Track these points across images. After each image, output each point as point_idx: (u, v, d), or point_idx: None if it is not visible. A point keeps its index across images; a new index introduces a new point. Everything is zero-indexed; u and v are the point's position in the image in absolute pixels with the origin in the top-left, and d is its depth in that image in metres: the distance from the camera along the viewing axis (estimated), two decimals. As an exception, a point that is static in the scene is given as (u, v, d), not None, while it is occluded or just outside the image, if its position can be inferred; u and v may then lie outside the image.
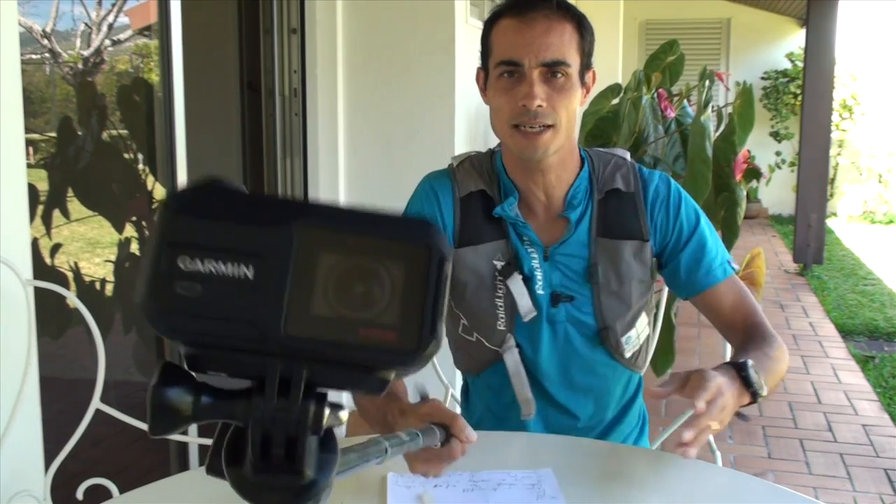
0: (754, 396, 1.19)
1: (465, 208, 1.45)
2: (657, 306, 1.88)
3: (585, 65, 1.37)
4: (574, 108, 1.35)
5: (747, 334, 1.39)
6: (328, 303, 0.44)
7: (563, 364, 1.44)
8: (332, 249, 0.44)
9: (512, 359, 1.43)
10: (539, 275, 1.41)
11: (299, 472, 0.47)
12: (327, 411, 0.47)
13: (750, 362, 1.21)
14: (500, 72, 1.34)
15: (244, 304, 0.43)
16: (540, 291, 1.41)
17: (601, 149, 1.51)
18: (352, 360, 0.45)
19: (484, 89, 1.42)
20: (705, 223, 1.46)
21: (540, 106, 1.30)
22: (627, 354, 1.45)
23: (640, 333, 1.47)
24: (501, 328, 1.42)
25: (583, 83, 1.37)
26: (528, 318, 1.41)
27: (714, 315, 1.46)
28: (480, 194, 1.45)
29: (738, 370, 1.19)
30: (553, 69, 1.31)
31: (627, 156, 1.49)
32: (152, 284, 0.43)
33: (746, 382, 1.18)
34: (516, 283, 1.40)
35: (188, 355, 0.45)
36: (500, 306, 1.42)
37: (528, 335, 1.43)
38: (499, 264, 1.42)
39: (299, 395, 0.46)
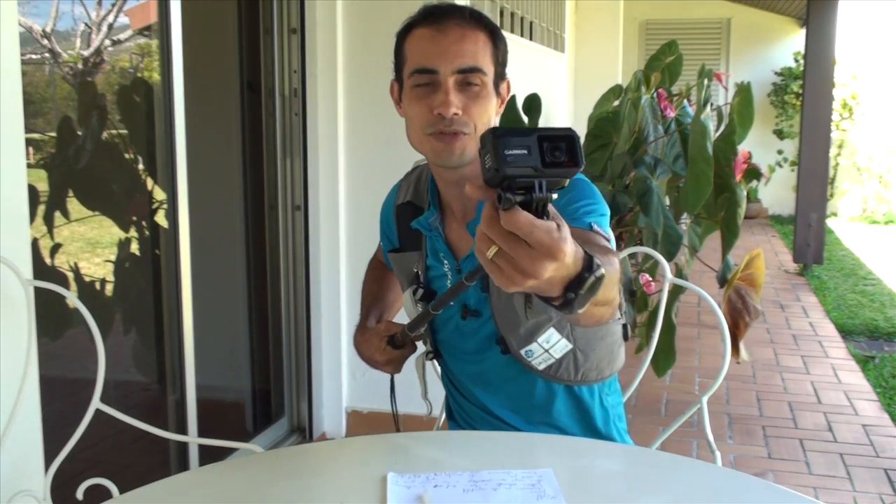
0: (567, 304, 0.87)
1: (399, 216, 1.54)
2: (657, 306, 1.87)
3: (500, 74, 1.37)
4: (490, 116, 1.34)
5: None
6: None
7: (482, 372, 1.48)
8: None
9: (414, 359, 1.56)
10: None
11: None
12: None
13: (602, 270, 0.87)
14: (414, 81, 1.33)
15: None
16: (452, 304, 1.40)
17: None
18: None
19: (398, 101, 1.42)
20: (581, 196, 1.32)
21: (456, 114, 1.30)
22: (540, 367, 1.41)
23: (550, 348, 1.39)
24: (422, 331, 1.49)
25: (497, 93, 1.37)
26: (413, 333, 1.45)
27: None
28: (409, 205, 1.51)
29: (586, 263, 0.86)
30: (468, 76, 1.31)
31: None
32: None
33: (578, 282, 0.86)
34: (406, 297, 1.50)
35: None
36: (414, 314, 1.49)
37: (448, 343, 1.51)
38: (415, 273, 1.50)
39: None
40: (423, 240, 1.48)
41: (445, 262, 1.45)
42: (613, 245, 1.35)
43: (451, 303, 1.37)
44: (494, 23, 1.38)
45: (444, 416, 1.86)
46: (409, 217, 1.50)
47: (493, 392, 1.49)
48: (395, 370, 1.48)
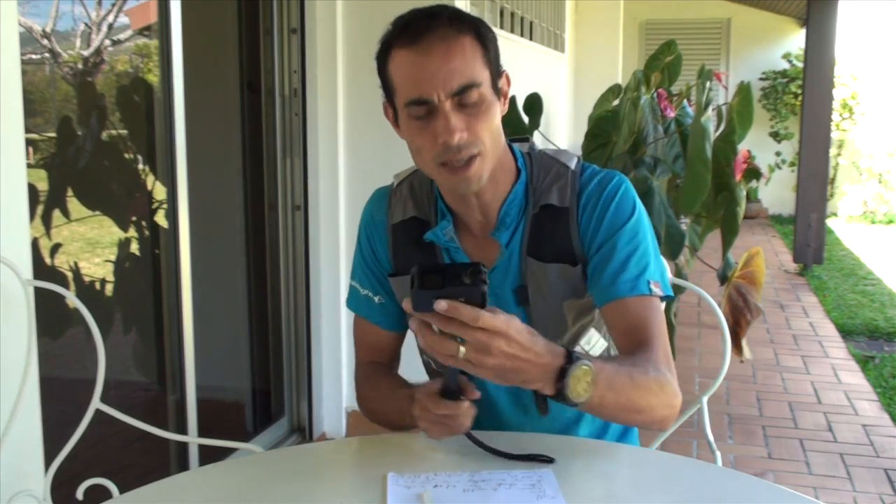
0: (559, 395, 1.08)
1: (395, 236, 1.41)
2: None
3: (495, 74, 1.27)
4: (496, 125, 1.27)
5: (629, 356, 1.26)
6: None
7: (512, 388, 1.38)
8: None
9: None
10: None
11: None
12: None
13: (587, 363, 1.09)
14: (410, 113, 1.25)
15: None
16: None
17: (549, 151, 1.41)
18: None
19: (395, 124, 1.33)
20: (634, 231, 1.32)
21: (461, 138, 1.21)
22: None
23: (591, 349, 1.40)
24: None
25: (498, 94, 1.28)
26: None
27: (611, 333, 1.34)
28: (412, 220, 1.39)
29: (567, 357, 1.08)
30: (464, 97, 1.21)
31: (573, 162, 1.37)
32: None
33: (561, 374, 1.07)
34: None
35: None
36: None
37: None
38: None
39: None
40: (439, 252, 1.37)
41: None
42: (669, 290, 1.32)
43: None
44: (474, 17, 1.27)
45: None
46: (415, 233, 1.39)
47: (525, 409, 1.42)
48: (472, 419, 1.21)
